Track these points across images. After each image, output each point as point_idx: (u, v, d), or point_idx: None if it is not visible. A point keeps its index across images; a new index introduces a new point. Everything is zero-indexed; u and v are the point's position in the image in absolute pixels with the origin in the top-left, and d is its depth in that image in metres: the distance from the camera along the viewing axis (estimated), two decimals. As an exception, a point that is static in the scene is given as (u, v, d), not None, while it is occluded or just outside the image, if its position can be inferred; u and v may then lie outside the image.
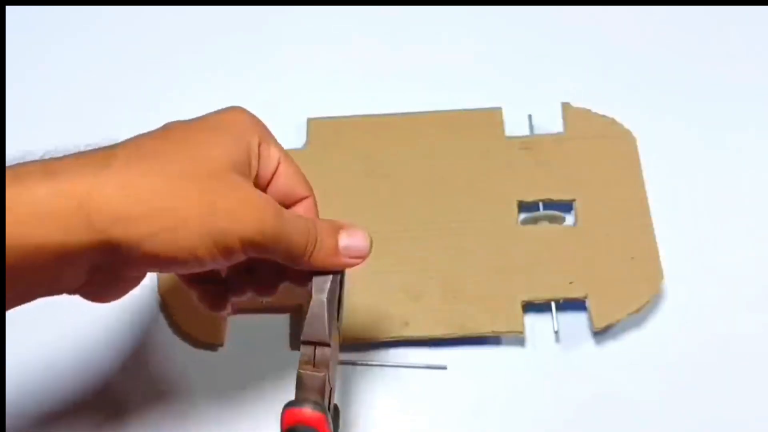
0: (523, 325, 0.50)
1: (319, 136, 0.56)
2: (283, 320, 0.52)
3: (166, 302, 0.51)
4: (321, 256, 0.38)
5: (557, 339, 0.51)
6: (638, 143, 0.55)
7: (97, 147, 0.35)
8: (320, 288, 0.39)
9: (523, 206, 0.54)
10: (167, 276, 0.51)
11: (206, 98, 0.58)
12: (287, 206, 0.39)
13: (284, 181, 0.39)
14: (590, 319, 0.50)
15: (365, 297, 0.51)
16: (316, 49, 0.62)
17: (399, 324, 0.50)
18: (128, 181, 0.33)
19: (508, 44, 0.62)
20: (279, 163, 0.39)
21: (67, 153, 0.34)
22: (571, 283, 0.51)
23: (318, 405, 0.37)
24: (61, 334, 0.51)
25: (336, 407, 0.41)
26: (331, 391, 0.39)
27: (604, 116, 0.56)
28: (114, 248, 0.33)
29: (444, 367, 0.50)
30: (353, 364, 0.50)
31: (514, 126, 0.56)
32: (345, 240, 0.39)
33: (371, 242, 0.40)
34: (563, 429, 0.49)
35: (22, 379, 0.50)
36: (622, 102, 0.57)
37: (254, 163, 0.37)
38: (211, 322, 0.51)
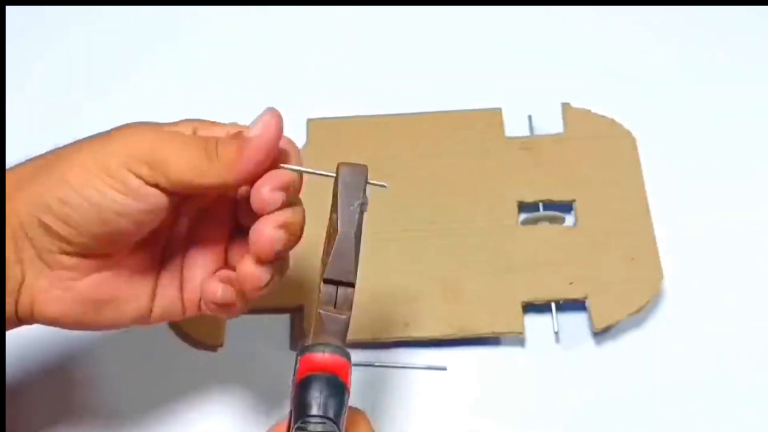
0: (523, 325, 0.50)
1: (319, 137, 0.56)
2: (283, 320, 0.52)
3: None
4: (232, 151, 0.35)
5: (557, 339, 0.51)
6: (638, 143, 0.55)
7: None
8: (348, 221, 0.35)
9: (523, 207, 0.54)
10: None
11: (206, 99, 0.59)
12: None
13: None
14: (590, 320, 0.50)
15: (365, 297, 0.51)
16: (315, 50, 0.62)
17: (399, 325, 0.50)
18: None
19: (508, 44, 0.62)
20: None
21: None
22: (571, 283, 0.51)
23: (340, 350, 0.33)
24: (61, 335, 0.50)
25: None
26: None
27: (603, 116, 0.56)
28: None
29: (444, 368, 0.50)
30: (354, 365, 0.50)
31: (514, 126, 0.56)
32: (252, 131, 0.35)
33: (278, 113, 0.36)
34: (563, 429, 0.49)
35: (21, 380, 0.49)
36: (622, 102, 0.57)
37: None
38: (210, 323, 0.51)
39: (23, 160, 0.37)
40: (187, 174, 0.34)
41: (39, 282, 0.36)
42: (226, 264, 0.40)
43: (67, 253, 0.36)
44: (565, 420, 0.49)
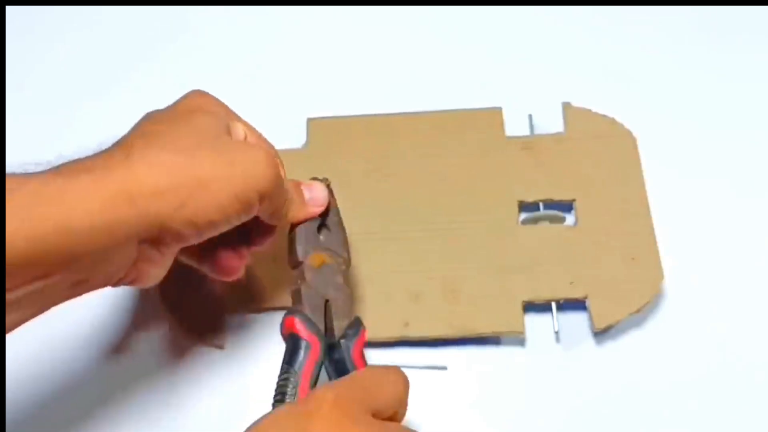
0: (523, 325, 0.50)
1: (319, 137, 0.56)
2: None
3: (167, 302, 0.51)
4: (294, 209, 0.44)
5: (557, 339, 0.51)
6: (638, 143, 0.55)
7: (100, 145, 0.39)
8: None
9: (523, 206, 0.54)
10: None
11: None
12: None
13: None
14: (591, 320, 0.50)
15: (365, 297, 0.51)
16: (316, 50, 0.62)
17: (399, 324, 0.50)
18: (152, 162, 0.37)
19: (508, 44, 0.62)
20: (246, 136, 0.43)
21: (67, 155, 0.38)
22: (571, 283, 0.51)
23: (295, 312, 0.43)
24: (59, 336, 0.51)
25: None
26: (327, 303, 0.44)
27: (604, 116, 0.56)
28: (155, 220, 0.37)
29: (444, 368, 0.50)
30: (354, 364, 0.50)
31: (514, 126, 0.56)
32: (308, 193, 0.45)
33: (329, 189, 0.46)
34: (563, 428, 0.49)
35: (21, 381, 0.49)
36: (623, 102, 0.57)
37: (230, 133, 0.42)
38: (212, 323, 0.51)
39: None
40: (268, 213, 0.42)
41: (146, 262, 0.40)
42: None
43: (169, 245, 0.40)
44: (564, 419, 0.49)
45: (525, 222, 0.53)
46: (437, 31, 0.63)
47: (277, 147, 0.54)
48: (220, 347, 0.51)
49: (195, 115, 0.41)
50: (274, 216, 0.43)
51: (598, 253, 0.52)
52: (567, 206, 0.54)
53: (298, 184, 0.45)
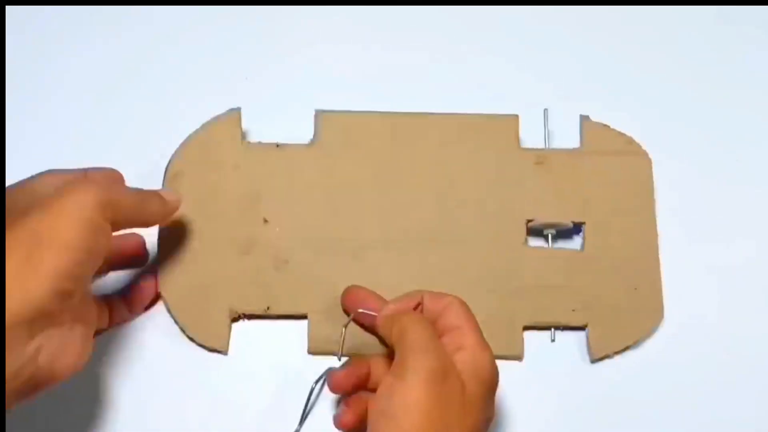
0: (523, 349, 0.51)
1: (329, 131, 0.54)
2: (298, 326, 0.52)
3: (171, 306, 0.51)
4: (156, 206, 0.46)
5: (554, 360, 0.52)
6: (654, 165, 0.54)
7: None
8: None
9: (531, 229, 0.53)
10: (173, 279, 0.51)
11: (212, 93, 0.56)
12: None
13: None
14: (588, 348, 0.51)
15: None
16: (325, 48, 0.59)
17: (401, 341, 0.51)
18: None
19: (528, 47, 0.59)
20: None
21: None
22: (573, 310, 0.51)
23: None
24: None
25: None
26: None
27: (622, 134, 0.54)
28: None
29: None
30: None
31: (530, 133, 0.54)
32: (164, 194, 0.47)
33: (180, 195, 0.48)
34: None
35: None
36: (641, 120, 0.55)
37: None
38: (214, 327, 0.51)
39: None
40: (130, 215, 0.44)
41: (51, 345, 0.40)
42: None
43: (68, 306, 0.40)
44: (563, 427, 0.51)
45: (532, 228, 0.53)
46: (453, 30, 0.60)
47: (283, 140, 0.53)
48: (223, 352, 0.51)
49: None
50: (137, 216, 0.44)
51: (603, 280, 0.52)
52: (576, 229, 0.53)
53: (153, 191, 0.47)
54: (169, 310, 0.51)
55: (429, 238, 0.52)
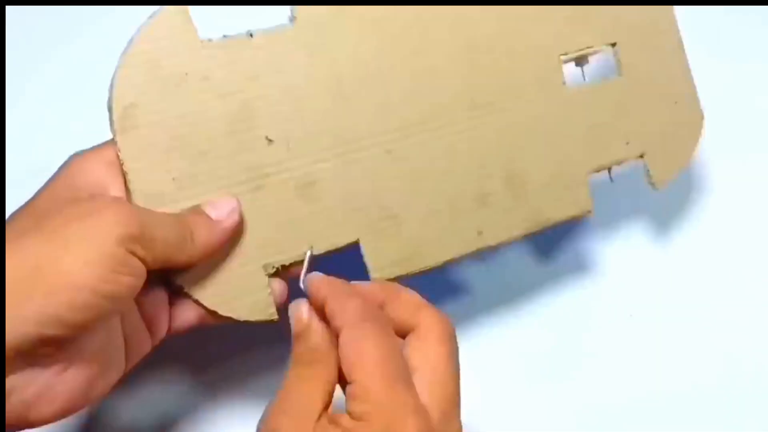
0: (592, 203, 0.45)
1: (308, 6, 0.40)
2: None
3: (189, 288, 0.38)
4: (202, 233, 0.37)
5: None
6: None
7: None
8: None
9: (565, 60, 0.45)
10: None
11: None
12: None
13: None
14: (649, 177, 0.47)
15: (423, 213, 0.42)
16: None
17: (472, 235, 0.43)
18: None
19: None
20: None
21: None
22: (627, 143, 0.46)
23: None
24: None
25: None
26: None
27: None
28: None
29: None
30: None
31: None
32: (213, 212, 0.38)
33: (236, 200, 0.38)
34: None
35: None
36: None
37: None
38: (252, 294, 0.39)
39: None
40: (169, 252, 0.35)
41: (29, 389, 0.33)
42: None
43: (61, 349, 0.33)
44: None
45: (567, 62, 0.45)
46: None
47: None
48: (273, 320, 0.39)
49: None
50: (177, 252, 0.36)
51: (646, 103, 0.47)
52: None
53: (196, 209, 0.38)
54: (188, 294, 0.38)
55: (463, 106, 0.43)
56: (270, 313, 0.39)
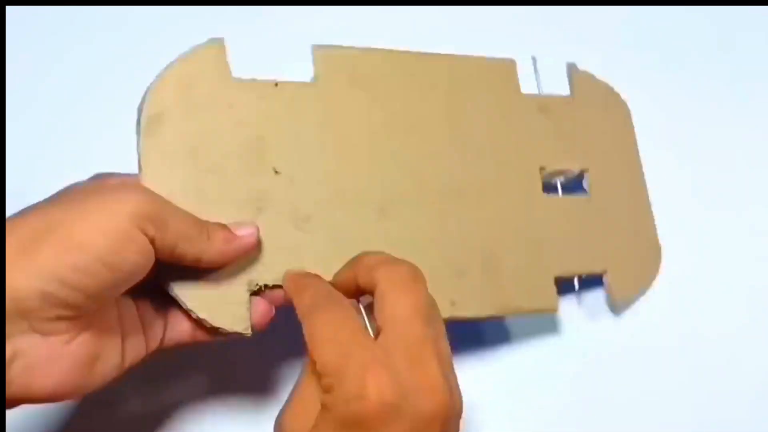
0: (557, 301, 0.48)
1: (330, 70, 0.45)
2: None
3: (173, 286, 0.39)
4: (221, 241, 0.38)
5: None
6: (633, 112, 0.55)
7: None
8: None
9: (544, 175, 0.50)
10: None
11: None
12: None
13: None
14: (610, 296, 0.50)
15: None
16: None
17: (445, 304, 0.44)
18: None
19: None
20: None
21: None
22: (592, 258, 0.50)
23: None
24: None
25: None
26: None
27: (604, 83, 0.54)
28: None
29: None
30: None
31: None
32: (235, 228, 0.39)
33: (257, 227, 0.40)
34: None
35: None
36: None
37: None
38: (231, 305, 0.40)
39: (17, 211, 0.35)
40: (180, 241, 0.37)
41: (33, 354, 0.33)
42: None
43: (64, 318, 0.34)
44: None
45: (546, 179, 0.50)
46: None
47: (281, 78, 0.44)
48: (246, 334, 0.40)
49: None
50: (188, 244, 0.37)
51: (611, 226, 0.51)
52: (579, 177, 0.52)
53: (220, 223, 0.40)
54: (171, 291, 0.39)
55: (453, 189, 0.47)
56: (244, 327, 0.40)
